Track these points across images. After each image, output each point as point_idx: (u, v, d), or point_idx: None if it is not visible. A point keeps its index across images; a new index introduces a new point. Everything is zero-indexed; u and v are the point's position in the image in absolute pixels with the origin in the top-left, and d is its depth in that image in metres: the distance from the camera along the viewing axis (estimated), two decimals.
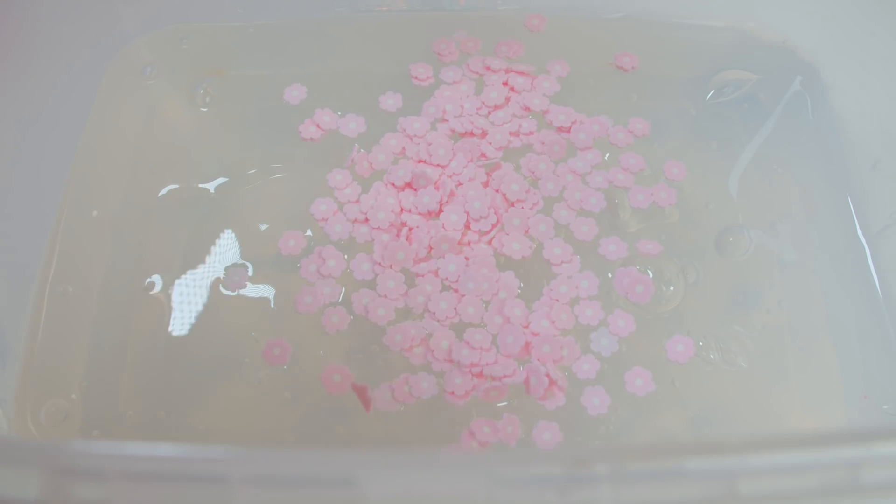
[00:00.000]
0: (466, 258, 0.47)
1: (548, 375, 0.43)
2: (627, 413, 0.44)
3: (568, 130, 0.52)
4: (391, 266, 0.47)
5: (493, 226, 0.48)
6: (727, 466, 0.28)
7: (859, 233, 0.50)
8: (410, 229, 0.48)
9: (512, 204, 0.49)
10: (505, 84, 0.53)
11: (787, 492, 0.28)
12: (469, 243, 0.47)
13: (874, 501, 0.28)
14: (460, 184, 0.49)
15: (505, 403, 0.44)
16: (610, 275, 0.47)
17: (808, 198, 0.51)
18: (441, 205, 0.48)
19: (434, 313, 0.45)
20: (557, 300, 0.46)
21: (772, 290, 0.48)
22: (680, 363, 0.45)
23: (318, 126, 0.52)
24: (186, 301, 0.48)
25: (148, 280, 0.48)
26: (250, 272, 0.48)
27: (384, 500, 0.28)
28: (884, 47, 0.51)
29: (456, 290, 0.46)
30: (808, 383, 0.46)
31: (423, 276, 0.47)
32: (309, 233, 0.49)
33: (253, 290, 0.48)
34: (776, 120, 0.54)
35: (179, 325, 0.47)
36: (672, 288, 0.47)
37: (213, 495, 0.27)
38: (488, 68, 0.54)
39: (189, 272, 0.49)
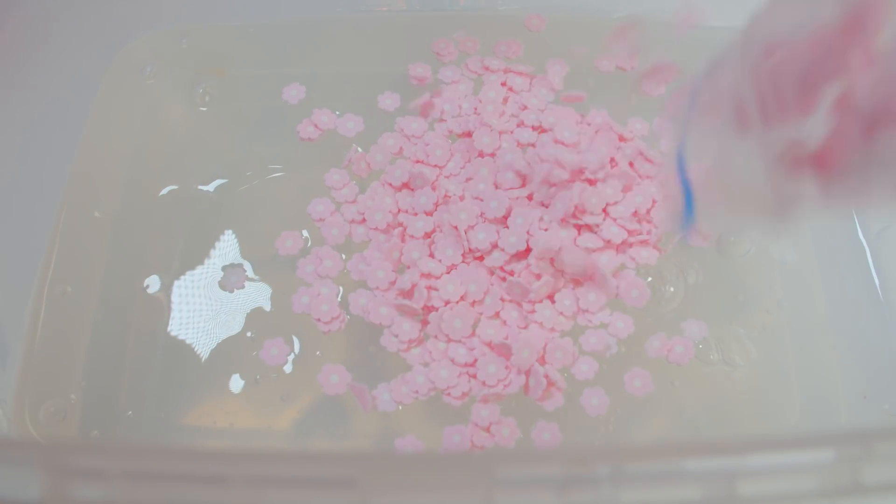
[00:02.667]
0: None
1: (546, 377, 0.43)
2: (627, 414, 0.44)
3: None
4: (386, 263, 0.46)
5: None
6: (727, 466, 0.28)
7: (859, 233, 0.50)
8: (406, 229, 0.48)
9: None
10: (504, 84, 0.53)
11: (787, 492, 0.28)
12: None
13: (874, 501, 0.28)
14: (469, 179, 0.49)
15: (504, 406, 0.43)
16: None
17: None
18: (437, 205, 0.48)
19: None
20: (556, 301, 0.46)
21: (772, 291, 0.48)
22: (680, 364, 0.45)
23: (316, 126, 0.52)
24: (185, 301, 0.48)
25: (147, 280, 0.48)
26: (248, 272, 0.48)
27: (384, 500, 0.28)
28: None
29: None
30: (808, 383, 0.46)
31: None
32: (306, 233, 0.49)
33: (251, 290, 0.48)
34: None
35: (178, 325, 0.47)
36: (672, 289, 0.47)
37: (213, 495, 0.27)
38: (487, 68, 0.54)
39: (188, 272, 0.49)
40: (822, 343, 0.47)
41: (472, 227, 0.46)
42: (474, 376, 0.44)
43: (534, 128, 0.50)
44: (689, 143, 0.30)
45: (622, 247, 0.46)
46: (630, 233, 0.46)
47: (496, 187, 0.48)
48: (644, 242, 0.47)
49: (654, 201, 0.47)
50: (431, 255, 0.46)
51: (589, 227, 0.46)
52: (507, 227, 0.46)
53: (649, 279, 0.47)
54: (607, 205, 0.46)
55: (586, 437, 0.44)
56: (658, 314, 0.46)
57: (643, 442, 0.44)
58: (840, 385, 0.46)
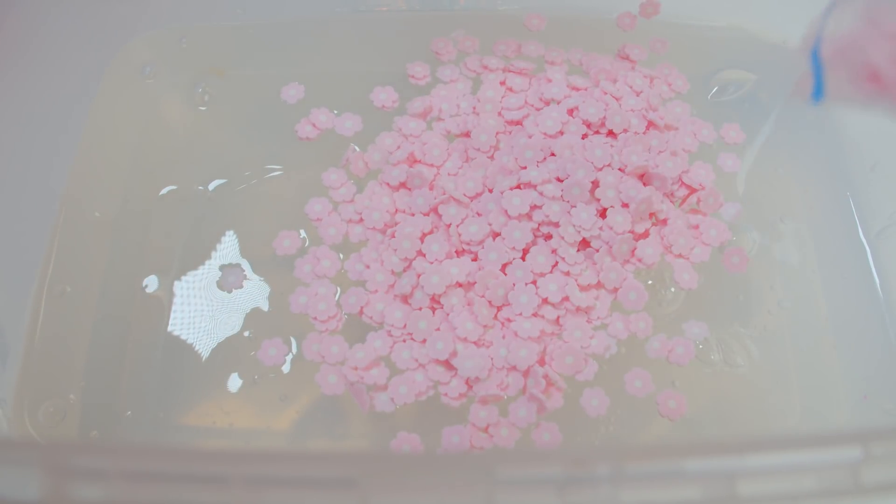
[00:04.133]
0: None
1: (546, 377, 0.43)
2: (627, 414, 0.44)
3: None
4: (384, 265, 0.46)
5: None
6: (727, 466, 0.28)
7: (860, 233, 0.50)
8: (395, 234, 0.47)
9: None
10: (502, 84, 0.53)
11: (787, 492, 0.28)
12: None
13: (874, 501, 0.28)
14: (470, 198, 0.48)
15: (503, 407, 0.43)
16: None
17: (809, 198, 0.51)
18: (435, 206, 0.48)
19: None
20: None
21: (772, 291, 0.48)
22: (680, 365, 0.45)
23: (314, 125, 0.52)
24: (184, 301, 0.48)
25: (146, 280, 0.48)
26: (246, 272, 0.48)
27: (384, 500, 0.28)
28: None
29: None
30: (809, 383, 0.46)
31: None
32: (303, 233, 0.49)
33: (249, 290, 0.48)
34: (777, 120, 0.54)
35: (177, 325, 0.47)
36: (673, 290, 0.47)
37: (213, 495, 0.27)
38: (486, 67, 0.54)
39: (186, 272, 0.49)
40: (822, 343, 0.47)
41: (462, 222, 0.46)
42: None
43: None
44: (826, 29, 0.34)
45: None
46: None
47: (490, 191, 0.48)
48: (645, 234, 0.47)
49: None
50: (423, 255, 0.46)
51: (587, 243, 0.46)
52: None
53: (650, 282, 0.47)
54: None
55: (586, 438, 0.44)
56: (659, 315, 0.46)
57: (643, 442, 0.44)
58: (840, 385, 0.46)
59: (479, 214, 0.46)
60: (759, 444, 0.29)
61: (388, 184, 0.49)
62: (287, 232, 0.48)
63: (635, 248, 0.46)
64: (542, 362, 0.44)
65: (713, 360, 0.46)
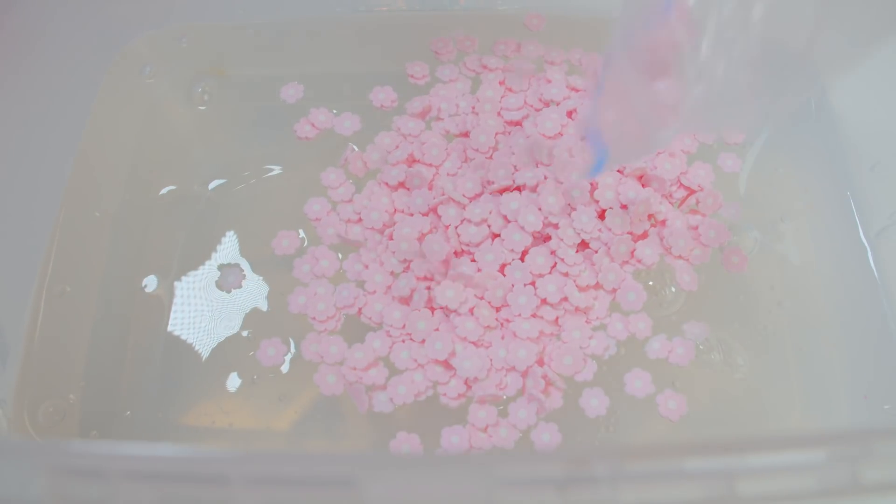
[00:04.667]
0: None
1: (545, 377, 0.43)
2: (627, 414, 0.44)
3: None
4: (383, 266, 0.46)
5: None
6: (727, 466, 0.28)
7: (860, 233, 0.50)
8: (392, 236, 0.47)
9: None
10: (502, 83, 0.53)
11: (787, 492, 0.28)
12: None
13: (874, 501, 0.28)
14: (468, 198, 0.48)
15: (502, 407, 0.43)
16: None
17: (809, 198, 0.51)
18: (434, 206, 0.48)
19: None
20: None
21: (773, 291, 0.48)
22: (680, 365, 0.45)
23: (313, 125, 0.52)
24: (183, 301, 0.48)
25: (146, 280, 0.48)
26: (245, 272, 0.48)
27: (384, 500, 0.28)
28: (884, 47, 0.51)
29: None
30: (809, 383, 0.46)
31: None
32: (302, 233, 0.49)
33: (248, 290, 0.48)
34: (776, 120, 0.54)
35: (177, 325, 0.47)
36: (673, 289, 0.47)
37: (213, 495, 0.27)
38: (485, 67, 0.54)
39: (186, 272, 0.49)
40: (822, 343, 0.47)
41: (461, 224, 0.46)
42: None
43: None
44: (600, 102, 0.37)
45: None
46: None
47: (489, 191, 0.48)
48: (644, 236, 0.47)
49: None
50: (423, 256, 0.46)
51: (586, 244, 0.46)
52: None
53: (651, 282, 0.47)
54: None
55: (586, 438, 0.44)
56: (659, 315, 0.46)
57: (643, 442, 0.44)
58: (840, 385, 0.46)
59: (478, 218, 0.46)
60: (759, 444, 0.29)
61: (386, 184, 0.49)
62: (286, 232, 0.48)
63: (634, 249, 0.46)
64: (540, 363, 0.44)
65: (713, 361, 0.46)
